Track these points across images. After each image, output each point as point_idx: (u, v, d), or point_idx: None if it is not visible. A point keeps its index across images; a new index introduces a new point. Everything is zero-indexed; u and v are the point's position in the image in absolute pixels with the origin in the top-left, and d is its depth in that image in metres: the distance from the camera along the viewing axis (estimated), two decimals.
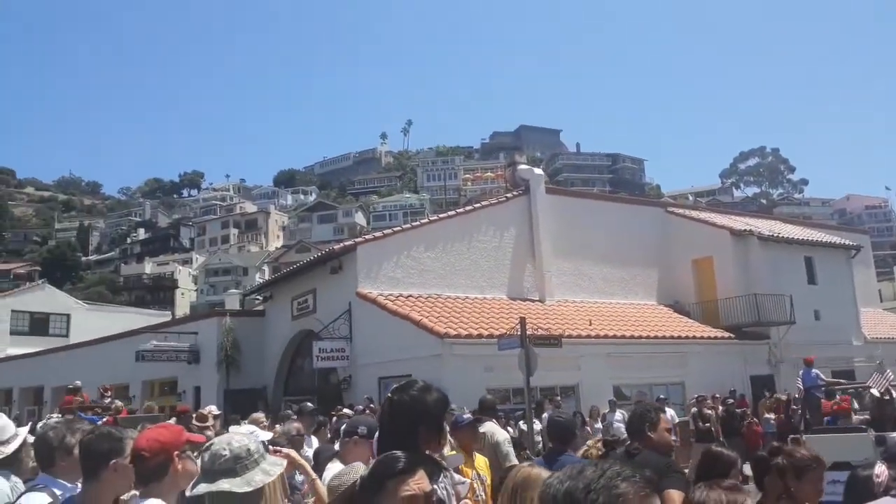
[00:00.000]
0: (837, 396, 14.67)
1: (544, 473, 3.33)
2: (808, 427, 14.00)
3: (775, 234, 24.26)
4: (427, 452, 2.63)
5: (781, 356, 22.00)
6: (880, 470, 3.04)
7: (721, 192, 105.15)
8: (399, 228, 22.68)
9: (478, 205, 23.59)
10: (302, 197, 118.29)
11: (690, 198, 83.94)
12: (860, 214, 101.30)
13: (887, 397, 12.93)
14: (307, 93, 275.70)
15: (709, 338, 21.28)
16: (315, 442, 7.31)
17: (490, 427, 6.61)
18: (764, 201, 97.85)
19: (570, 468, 1.47)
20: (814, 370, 16.45)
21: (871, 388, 14.20)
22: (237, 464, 2.27)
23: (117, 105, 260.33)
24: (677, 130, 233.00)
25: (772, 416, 17.54)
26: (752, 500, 4.05)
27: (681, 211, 26.85)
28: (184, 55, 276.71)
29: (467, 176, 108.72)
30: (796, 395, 17.53)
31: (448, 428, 4.28)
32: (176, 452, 2.50)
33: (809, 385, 15.98)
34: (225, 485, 2.24)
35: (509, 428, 15.27)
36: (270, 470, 2.32)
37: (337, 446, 5.06)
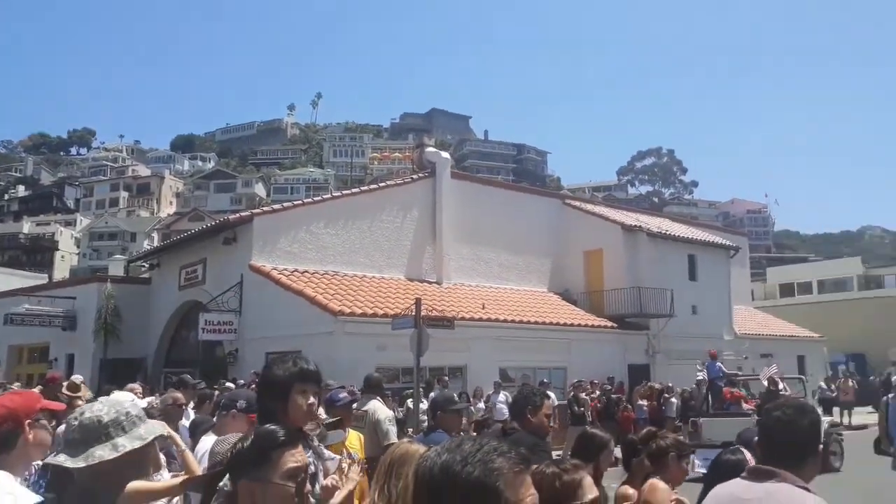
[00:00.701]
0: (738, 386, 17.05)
1: (422, 449, 3.38)
2: (709, 411, 16.04)
3: (663, 232, 25.46)
4: (298, 426, 2.62)
5: (659, 347, 23.22)
6: (747, 456, 3.24)
7: (617, 189, 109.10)
8: (300, 202, 22.26)
9: (383, 184, 23.52)
10: (200, 163, 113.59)
11: (588, 192, 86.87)
12: (742, 218, 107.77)
13: (773, 387, 15.12)
14: (214, 56, 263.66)
15: (593, 326, 22.17)
16: (193, 415, 7.10)
17: (373, 405, 6.63)
18: (656, 199, 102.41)
19: (449, 442, 1.48)
20: (717, 363, 18.04)
21: (760, 378, 16.56)
22: (87, 434, 2.16)
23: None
24: (581, 126, 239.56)
25: (645, 403, 18.50)
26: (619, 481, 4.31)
27: (578, 204, 27.71)
28: None
29: (375, 154, 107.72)
30: (694, 385, 19.19)
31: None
32: (27, 420, 2.33)
33: (713, 376, 17.68)
34: (60, 457, 2.13)
35: (398, 407, 15.41)
36: (124, 445, 2.19)
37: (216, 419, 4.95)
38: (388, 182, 23.51)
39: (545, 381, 17.58)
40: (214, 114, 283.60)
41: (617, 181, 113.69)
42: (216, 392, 9.85)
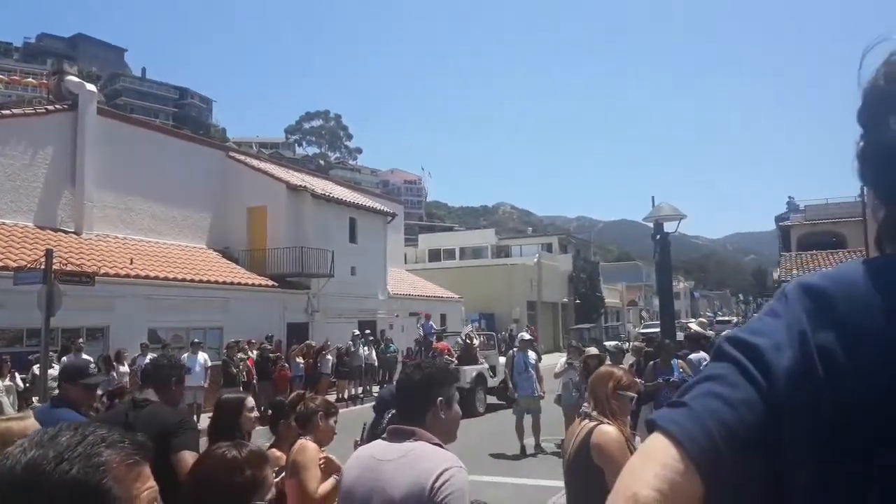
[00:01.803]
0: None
1: (30, 427, 2.82)
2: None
3: (327, 194, 25.91)
4: None
5: (318, 306, 23.74)
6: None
7: (284, 147, 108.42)
8: None
9: (9, 112, 19.75)
10: None
11: (255, 147, 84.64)
12: (400, 187, 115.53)
13: (468, 341, 18.25)
14: None
15: (253, 285, 21.74)
16: None
17: None
18: (322, 162, 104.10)
19: (41, 433, 1.14)
20: (430, 322, 21.68)
21: (461, 335, 19.62)
22: None
23: None
24: (250, 80, 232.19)
25: (301, 361, 18.76)
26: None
27: (243, 158, 26.72)
28: None
29: (1, 77, 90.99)
30: (416, 340, 22.16)
31: None
32: None
33: (427, 332, 22.07)
34: None
35: (19, 374, 13.41)
36: None
37: None
38: (16, 111, 19.80)
39: (196, 340, 16.73)
40: None
41: (285, 139, 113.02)
42: None
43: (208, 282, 19.94)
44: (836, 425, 0.76)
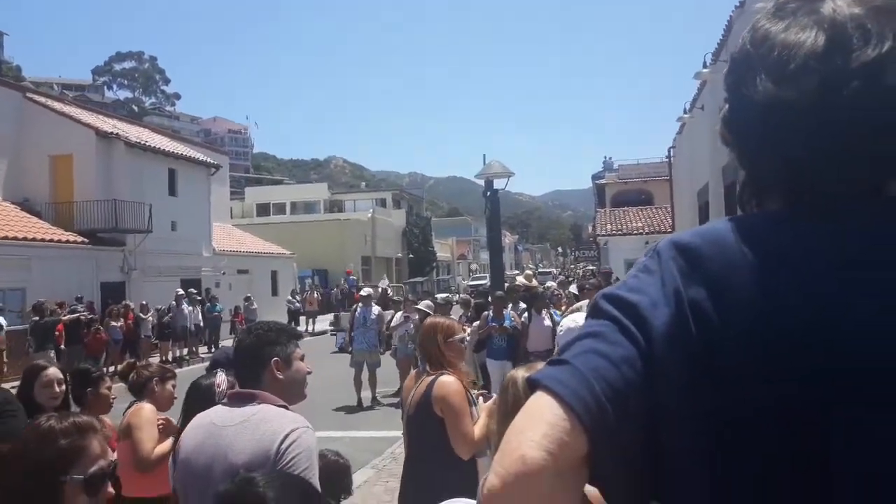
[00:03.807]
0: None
1: None
2: None
3: (143, 143, 24.01)
4: None
5: (135, 264, 22.16)
6: (221, 378, 3.15)
7: (92, 90, 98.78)
8: None
9: None
10: None
11: (57, 88, 76.19)
12: (223, 137, 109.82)
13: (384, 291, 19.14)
14: None
15: (59, 241, 19.81)
16: None
17: None
18: (136, 108, 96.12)
19: None
20: (352, 276, 24.65)
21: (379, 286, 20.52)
22: None
23: None
24: (51, 10, 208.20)
25: (119, 323, 17.52)
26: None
27: (43, 100, 23.95)
28: None
29: None
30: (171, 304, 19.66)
31: None
32: None
33: (351, 285, 25.81)
34: None
35: None
36: None
37: None
38: None
39: None
40: None
41: (92, 81, 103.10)
42: None
43: (5, 238, 17.87)
44: (706, 384, 0.77)
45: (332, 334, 23.10)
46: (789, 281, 0.79)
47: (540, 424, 0.76)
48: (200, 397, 3.05)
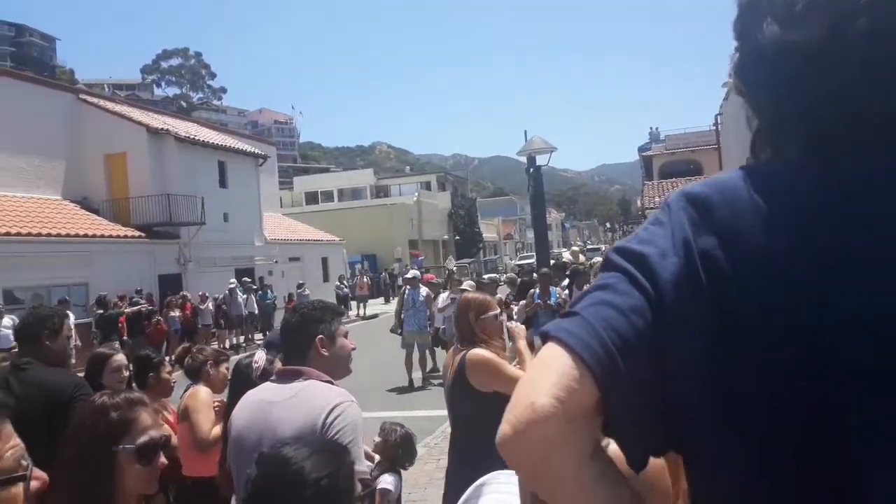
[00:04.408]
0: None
1: None
2: None
3: (192, 137, 24.53)
4: None
5: (190, 255, 22.76)
6: (259, 356, 3.25)
7: (141, 88, 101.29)
8: None
9: None
10: None
11: (108, 89, 78.37)
12: (270, 128, 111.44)
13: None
14: None
15: (118, 237, 20.49)
16: None
17: None
18: (184, 104, 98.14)
19: None
20: (420, 258, 23.20)
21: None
22: None
23: None
24: (98, 14, 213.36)
25: (177, 313, 18.05)
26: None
27: (96, 101, 24.66)
28: None
29: None
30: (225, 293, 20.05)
31: None
32: None
33: (418, 266, 26.11)
34: None
35: None
36: None
37: None
38: None
39: (66, 298, 15.68)
40: None
41: (141, 80, 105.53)
42: None
43: (67, 235, 18.58)
44: (716, 334, 0.77)
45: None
46: (798, 228, 0.78)
47: (550, 374, 0.78)
48: (241, 377, 3.16)
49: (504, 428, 0.78)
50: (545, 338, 0.83)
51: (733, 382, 0.77)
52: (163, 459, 1.81)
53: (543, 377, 0.78)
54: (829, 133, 0.83)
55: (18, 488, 1.18)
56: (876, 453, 0.73)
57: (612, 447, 0.86)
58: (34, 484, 1.22)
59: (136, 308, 16.72)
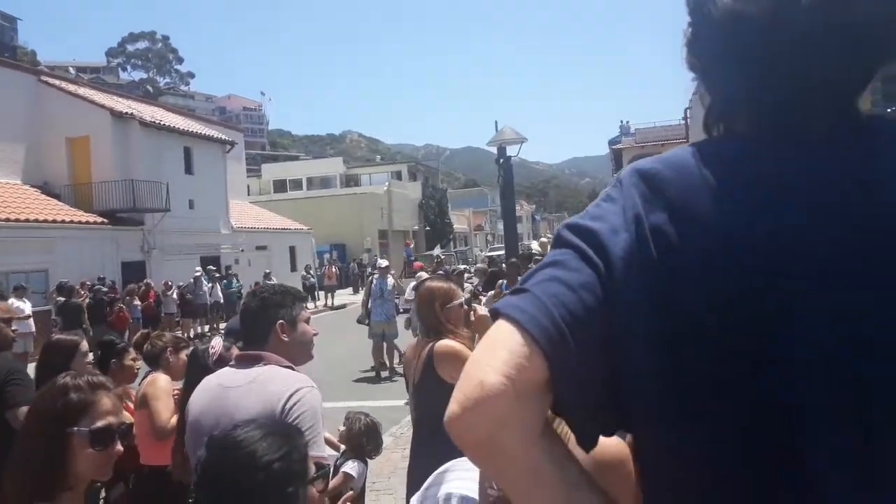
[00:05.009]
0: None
1: None
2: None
3: (158, 122, 24.09)
4: None
5: (154, 243, 22.38)
6: (216, 342, 3.20)
7: (106, 72, 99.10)
8: None
9: None
10: None
11: (72, 71, 76.56)
12: (238, 114, 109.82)
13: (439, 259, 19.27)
14: None
15: (79, 223, 20.06)
16: None
17: None
18: (150, 88, 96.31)
19: None
20: (410, 247, 26.47)
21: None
22: None
23: None
24: None
25: (138, 302, 17.74)
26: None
27: (58, 83, 24.06)
28: None
29: None
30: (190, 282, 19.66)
31: None
32: None
33: (408, 256, 28.38)
34: None
35: None
36: None
37: None
38: None
39: (23, 285, 15.27)
40: None
41: (106, 63, 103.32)
42: None
43: (27, 220, 18.13)
44: (666, 307, 0.77)
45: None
46: (746, 202, 0.78)
47: (499, 351, 0.76)
48: (198, 363, 3.11)
49: (452, 406, 0.76)
50: (495, 315, 0.81)
51: (681, 354, 0.76)
52: (119, 447, 1.77)
53: (493, 355, 0.76)
54: (778, 108, 0.82)
55: None
56: (825, 440, 0.73)
57: (564, 427, 0.85)
58: None
59: (97, 295, 16.38)
